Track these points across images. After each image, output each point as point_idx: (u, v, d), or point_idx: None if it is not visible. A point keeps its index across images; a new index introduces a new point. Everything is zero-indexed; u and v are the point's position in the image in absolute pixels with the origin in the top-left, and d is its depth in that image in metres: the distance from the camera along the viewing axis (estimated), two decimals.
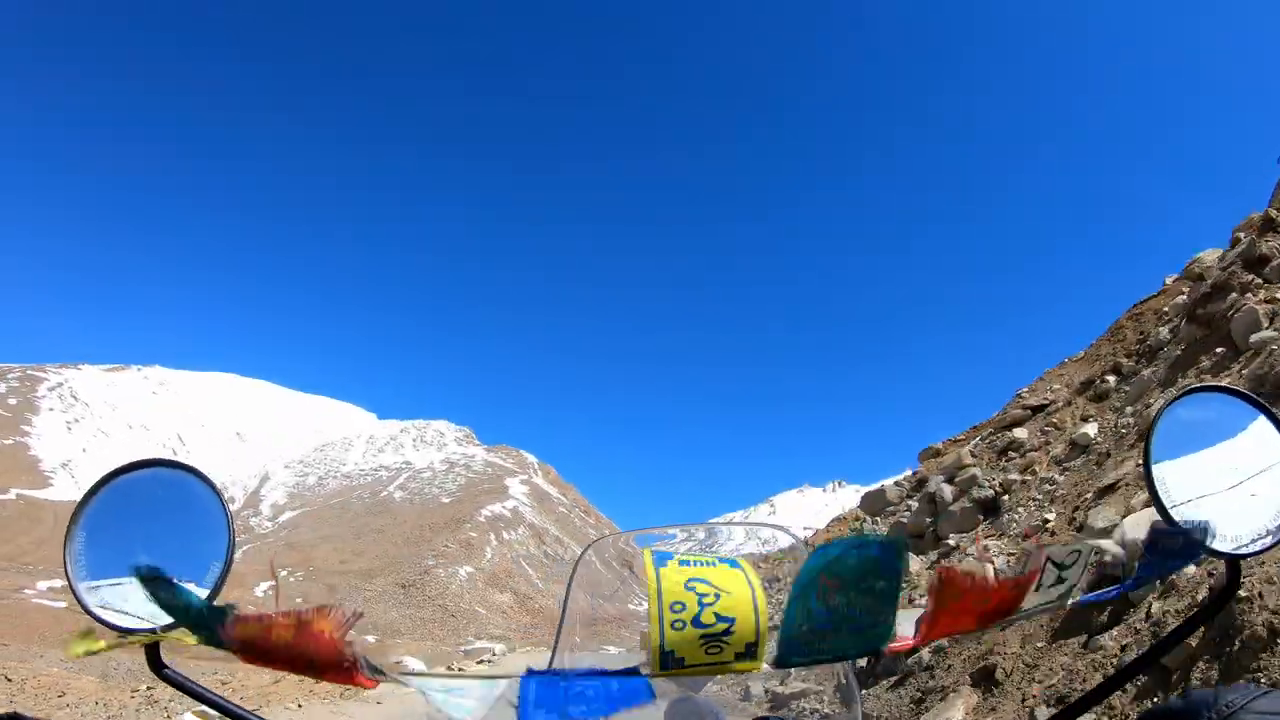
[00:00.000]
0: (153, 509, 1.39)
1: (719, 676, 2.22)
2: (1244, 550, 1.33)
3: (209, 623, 1.19)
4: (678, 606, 1.23)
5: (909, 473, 24.29)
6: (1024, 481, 15.27)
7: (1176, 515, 1.33)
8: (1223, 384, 1.44)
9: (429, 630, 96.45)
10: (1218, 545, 1.30)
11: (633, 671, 1.26)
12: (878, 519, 22.37)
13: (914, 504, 19.65)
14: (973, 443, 20.51)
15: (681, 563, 1.28)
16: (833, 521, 29.28)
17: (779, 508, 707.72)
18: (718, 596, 1.23)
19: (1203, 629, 6.49)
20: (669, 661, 1.23)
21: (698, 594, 1.23)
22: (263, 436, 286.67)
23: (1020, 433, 18.31)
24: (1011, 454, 17.55)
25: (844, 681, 2.11)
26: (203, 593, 1.29)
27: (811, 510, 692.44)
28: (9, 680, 20.21)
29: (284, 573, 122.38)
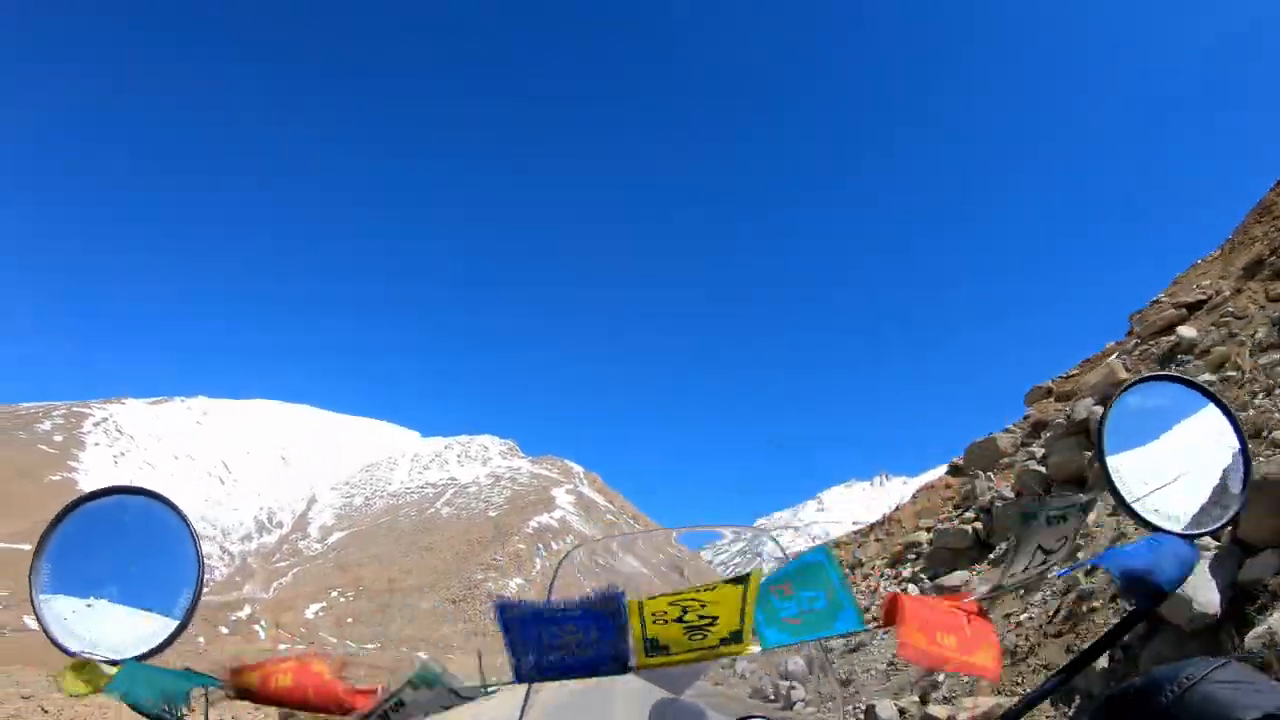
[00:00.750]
0: (119, 538, 1.36)
1: (701, 679, 2.30)
2: (1197, 530, 1.43)
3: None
4: (659, 615, 1.27)
5: (1021, 420, 22.12)
6: (1226, 378, 12.37)
7: (1135, 505, 1.42)
8: (1170, 372, 1.58)
9: (483, 644, 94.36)
10: (1176, 528, 1.41)
11: (620, 663, 1.27)
12: (990, 472, 19.94)
13: (1037, 449, 17.35)
14: (1116, 358, 17.62)
15: (670, 601, 1.28)
16: (921, 490, 26.55)
17: (827, 503, 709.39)
18: (704, 605, 1.27)
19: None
20: (653, 649, 1.26)
21: (682, 606, 1.27)
22: (307, 460, 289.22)
23: (1188, 331, 15.46)
24: (1183, 357, 14.63)
25: (819, 658, 2.20)
26: (173, 621, 1.30)
27: (860, 503, 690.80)
28: (45, 712, 18.82)
29: (334, 593, 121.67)
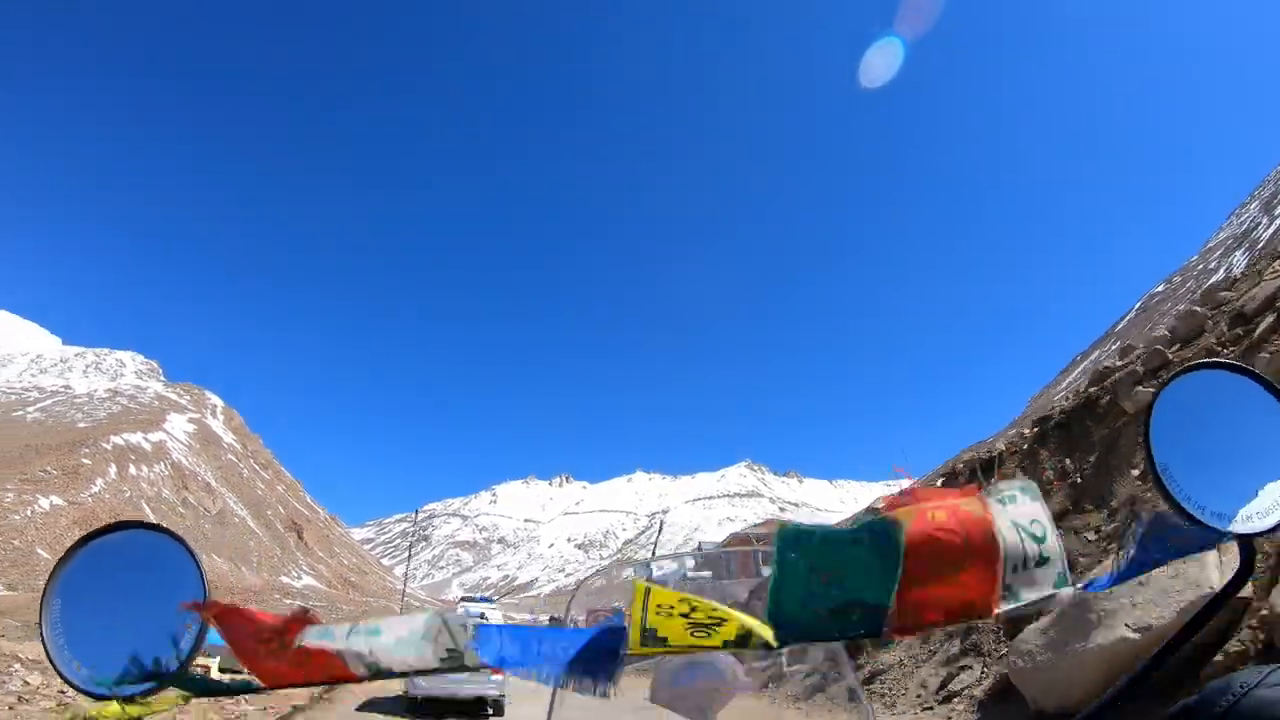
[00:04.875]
0: (128, 572, 1.38)
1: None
2: (1255, 529, 1.31)
3: (189, 682, 1.24)
4: (664, 607, 1.23)
5: None
6: None
7: (1184, 503, 1.30)
8: (1219, 360, 1.39)
9: None
10: (1228, 527, 1.29)
11: (611, 653, 1.25)
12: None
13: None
14: None
15: (681, 599, 1.24)
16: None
17: (501, 497, 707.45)
18: (715, 607, 1.23)
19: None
20: (650, 638, 1.23)
21: (691, 604, 1.22)
22: None
23: None
24: None
25: (838, 661, 2.15)
26: (179, 655, 1.30)
27: (536, 502, 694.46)
28: None
29: None
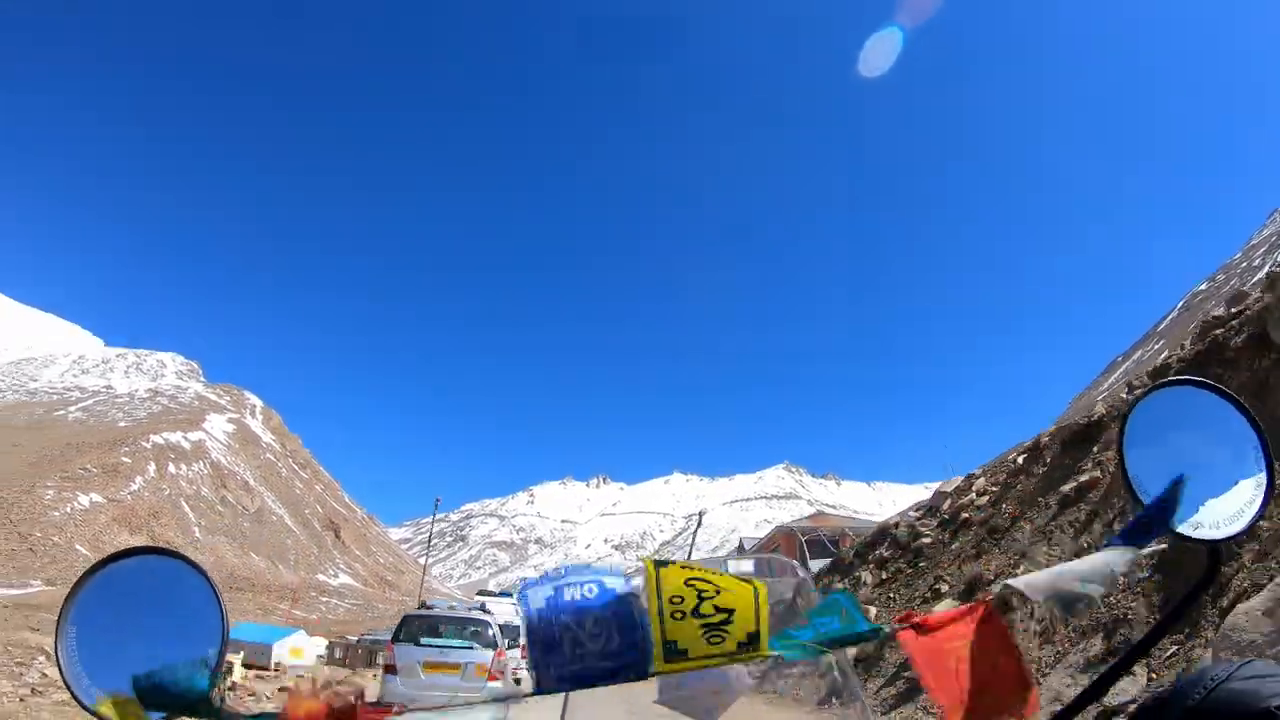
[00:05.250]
0: (143, 598, 1.38)
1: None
2: (1220, 535, 1.42)
3: (205, 712, 1.24)
4: (676, 599, 1.29)
5: None
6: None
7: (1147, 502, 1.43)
8: (1191, 376, 1.52)
9: None
10: (1196, 534, 1.40)
11: (636, 668, 1.29)
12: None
13: None
14: None
15: (683, 566, 1.34)
16: None
17: (538, 498, 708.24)
18: (718, 591, 1.30)
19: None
20: (672, 653, 1.28)
21: (697, 589, 1.29)
22: None
23: None
24: None
25: (842, 668, 2.20)
26: (196, 683, 1.30)
27: (573, 503, 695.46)
28: None
29: None
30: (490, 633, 16.78)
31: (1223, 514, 1.42)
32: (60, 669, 1.31)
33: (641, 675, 1.29)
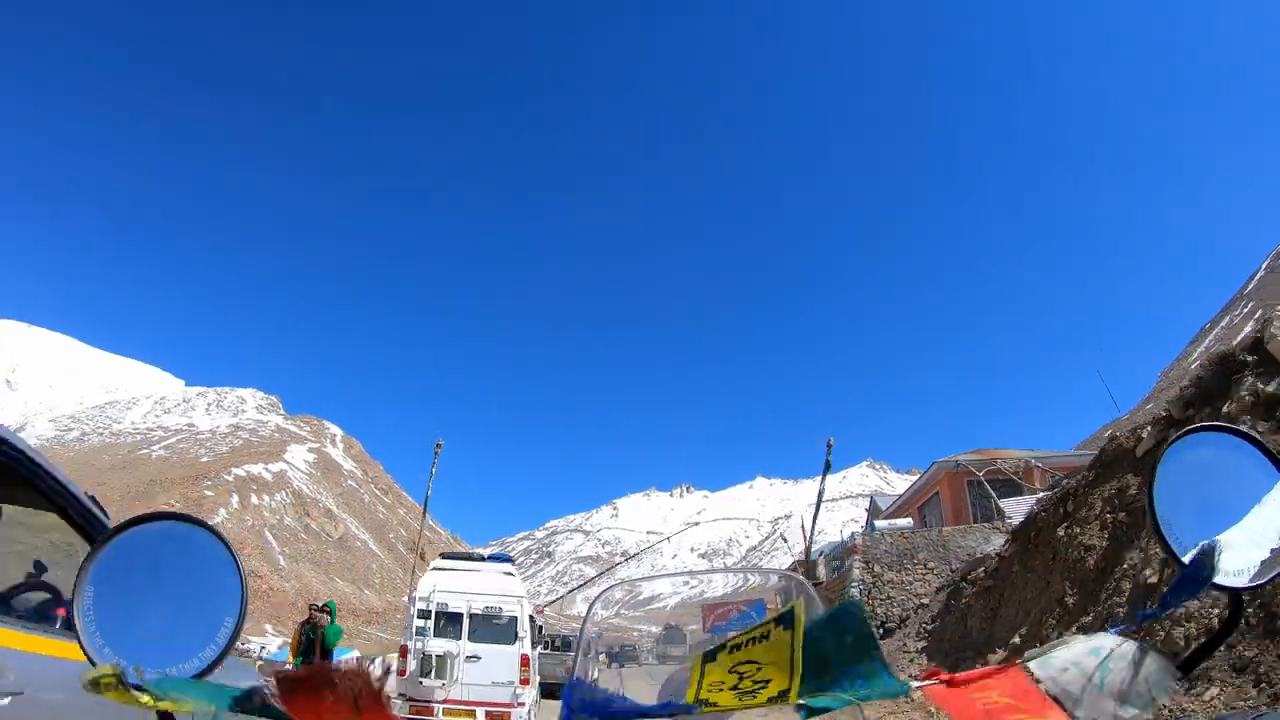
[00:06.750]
0: (164, 563, 1.39)
1: None
2: (1245, 584, 1.41)
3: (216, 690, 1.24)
4: (716, 684, 1.33)
5: None
6: None
7: (1180, 552, 1.40)
8: (1222, 424, 1.52)
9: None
10: (1220, 580, 1.37)
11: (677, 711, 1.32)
12: None
13: None
14: None
15: (731, 649, 1.36)
16: None
17: (622, 510, 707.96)
18: (760, 667, 1.31)
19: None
20: (704, 704, 1.32)
21: (739, 673, 1.32)
22: (38, 388, 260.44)
23: None
24: None
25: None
26: (213, 650, 1.32)
27: (657, 514, 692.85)
28: None
29: None
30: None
31: (1249, 560, 1.41)
32: (76, 626, 1.31)
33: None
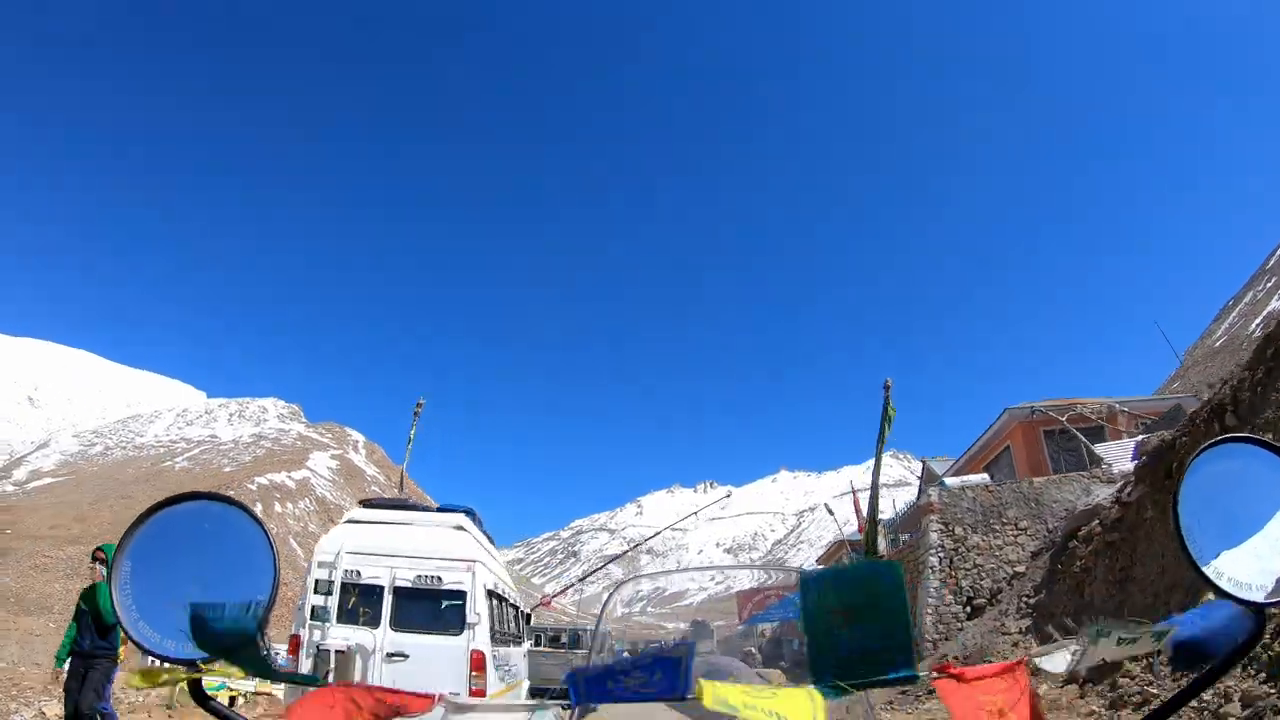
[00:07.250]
0: (198, 542, 1.41)
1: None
2: (1268, 599, 1.38)
3: (250, 657, 1.28)
4: (720, 699, 1.30)
5: None
6: None
7: (1205, 569, 1.37)
8: (1247, 434, 1.48)
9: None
10: (1243, 594, 1.36)
11: (678, 693, 1.31)
12: None
13: None
14: None
15: (743, 692, 1.33)
16: None
17: (646, 507, 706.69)
18: (771, 694, 1.31)
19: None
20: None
21: (746, 699, 1.30)
22: (60, 404, 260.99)
23: None
24: None
25: (866, 712, 2.21)
26: (245, 628, 1.34)
27: (682, 510, 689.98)
28: None
29: None
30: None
31: (1273, 574, 1.37)
32: (112, 601, 1.34)
33: (681, 698, 1.31)
